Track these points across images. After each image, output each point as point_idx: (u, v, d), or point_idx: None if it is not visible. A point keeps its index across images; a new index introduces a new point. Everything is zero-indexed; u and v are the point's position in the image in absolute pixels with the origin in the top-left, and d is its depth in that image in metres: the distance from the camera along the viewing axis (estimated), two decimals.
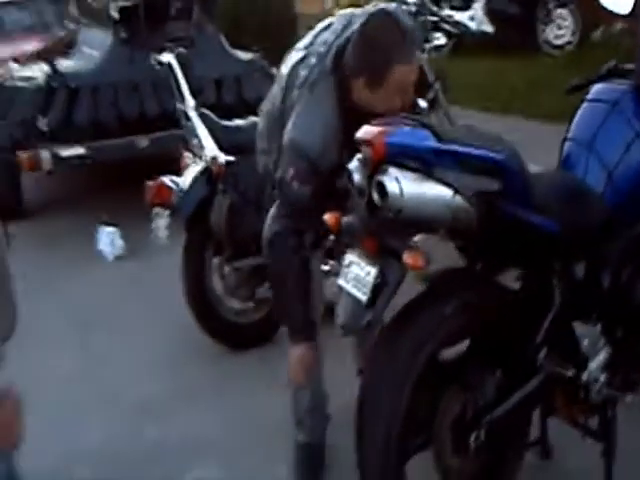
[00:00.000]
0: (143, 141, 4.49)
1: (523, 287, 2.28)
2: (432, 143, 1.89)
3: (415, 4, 3.88)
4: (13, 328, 1.70)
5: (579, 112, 2.44)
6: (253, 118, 3.28)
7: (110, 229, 5.05)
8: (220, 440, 3.03)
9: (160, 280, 4.04)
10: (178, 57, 4.07)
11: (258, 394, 3.25)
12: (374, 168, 1.89)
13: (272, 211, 2.40)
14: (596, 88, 2.44)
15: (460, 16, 8.58)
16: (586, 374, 2.27)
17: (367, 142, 1.89)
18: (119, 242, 5.03)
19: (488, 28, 8.17)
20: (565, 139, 2.44)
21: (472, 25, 8.31)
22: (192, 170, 3.47)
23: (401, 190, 1.85)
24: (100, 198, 5.94)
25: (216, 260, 3.63)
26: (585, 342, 2.28)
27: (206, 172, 3.40)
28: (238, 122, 3.67)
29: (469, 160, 1.91)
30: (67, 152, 5.21)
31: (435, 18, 4.06)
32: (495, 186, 1.96)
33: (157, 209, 3.50)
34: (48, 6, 10.03)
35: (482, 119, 5.88)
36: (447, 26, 8.59)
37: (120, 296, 4.45)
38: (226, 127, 3.63)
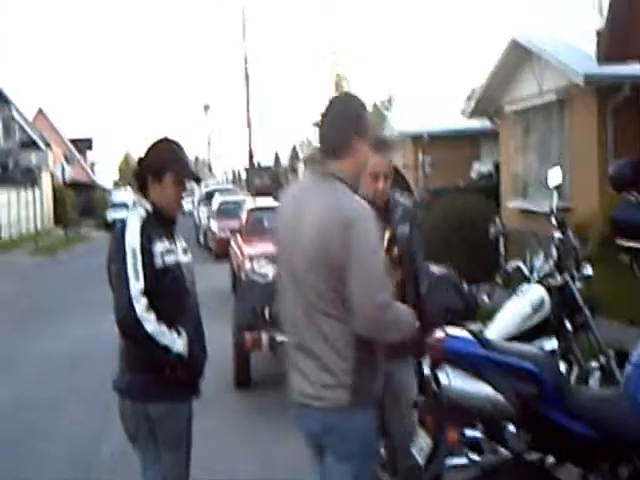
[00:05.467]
0: None
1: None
2: (477, 350, 2.59)
3: (559, 239, 4.53)
4: None
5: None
6: None
7: None
8: None
9: None
10: None
11: None
12: (434, 365, 2.62)
13: None
14: None
15: None
16: None
17: (431, 346, 2.64)
18: None
19: None
20: (629, 363, 2.96)
21: None
22: None
23: (449, 383, 2.55)
24: None
25: None
26: None
27: None
28: None
29: (506, 367, 2.57)
30: (281, 337, 6.33)
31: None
32: (532, 390, 2.57)
33: None
34: None
35: None
36: None
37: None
38: None
